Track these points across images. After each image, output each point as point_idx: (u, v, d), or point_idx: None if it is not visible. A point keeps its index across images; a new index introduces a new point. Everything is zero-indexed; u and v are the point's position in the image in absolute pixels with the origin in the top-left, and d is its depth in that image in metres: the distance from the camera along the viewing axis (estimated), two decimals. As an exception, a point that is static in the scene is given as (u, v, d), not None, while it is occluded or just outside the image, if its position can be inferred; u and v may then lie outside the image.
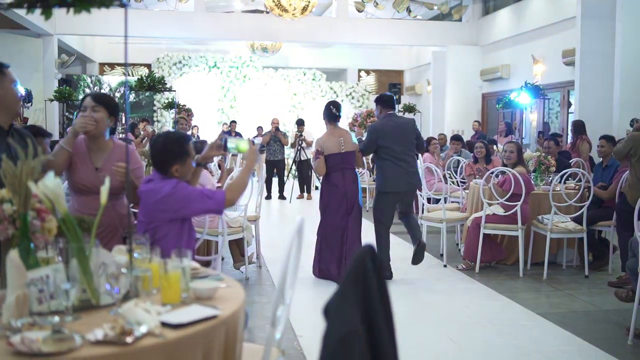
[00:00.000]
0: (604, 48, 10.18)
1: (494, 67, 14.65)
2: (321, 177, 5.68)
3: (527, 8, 13.42)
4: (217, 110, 16.91)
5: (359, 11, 15.50)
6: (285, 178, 12.21)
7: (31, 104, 12.66)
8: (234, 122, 14.38)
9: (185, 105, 14.29)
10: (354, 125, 14.18)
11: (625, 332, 4.16)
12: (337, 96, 17.50)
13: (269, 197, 11.82)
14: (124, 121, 9.30)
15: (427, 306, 4.90)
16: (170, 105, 13.63)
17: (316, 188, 11.57)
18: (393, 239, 7.09)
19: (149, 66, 17.28)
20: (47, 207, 2.05)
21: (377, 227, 5.65)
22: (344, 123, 15.35)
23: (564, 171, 6.08)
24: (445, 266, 6.15)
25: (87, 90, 15.32)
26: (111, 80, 16.15)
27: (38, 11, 1.89)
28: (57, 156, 3.08)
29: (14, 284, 1.84)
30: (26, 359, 1.56)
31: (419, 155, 7.36)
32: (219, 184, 5.82)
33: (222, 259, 6.04)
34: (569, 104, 12.28)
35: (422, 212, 6.60)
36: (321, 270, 5.58)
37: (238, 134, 13.63)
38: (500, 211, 5.85)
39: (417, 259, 5.73)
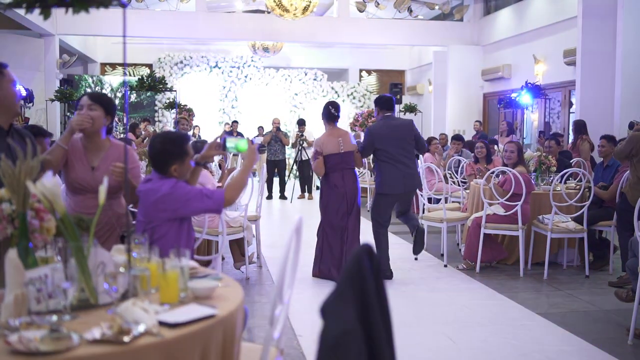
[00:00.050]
0: (605, 48, 10.17)
1: (495, 66, 14.63)
2: (320, 178, 5.70)
3: (528, 8, 13.41)
4: (218, 110, 16.92)
5: (360, 11, 15.50)
6: (286, 178, 12.22)
7: (32, 104, 12.69)
8: (235, 122, 14.40)
9: (186, 106, 14.31)
10: (355, 125, 14.19)
11: (625, 332, 4.15)
12: (338, 96, 17.51)
13: (270, 197, 11.83)
14: (124, 121, 9.31)
15: (428, 306, 4.90)
16: (171, 105, 13.64)
17: (317, 188, 11.56)
18: (393, 239, 7.11)
19: (150, 66, 17.30)
20: (46, 206, 2.05)
21: (375, 228, 5.66)
22: (345, 123, 15.44)
23: (565, 171, 6.07)
24: (445, 266, 6.15)
25: (89, 91, 15.34)
26: (112, 81, 16.16)
27: (38, 11, 1.90)
28: (52, 154, 3.09)
29: (13, 283, 1.85)
30: (24, 358, 1.56)
31: (420, 155, 7.36)
32: (220, 184, 5.82)
33: (223, 258, 6.05)
34: (570, 104, 12.27)
35: (423, 212, 6.60)
36: (321, 270, 5.59)
37: (240, 134, 13.63)
38: (500, 211, 5.85)
39: (417, 247, 5.73)
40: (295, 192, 11.85)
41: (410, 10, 15.41)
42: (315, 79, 17.61)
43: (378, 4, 15.20)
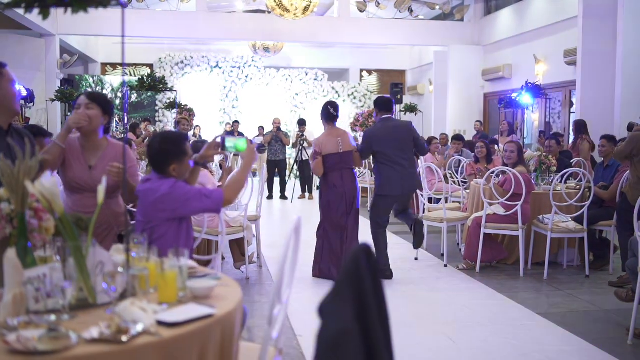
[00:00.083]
0: (606, 48, 10.17)
1: (495, 66, 14.63)
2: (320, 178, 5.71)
3: (529, 8, 13.41)
4: (219, 110, 16.92)
5: (361, 11, 15.50)
6: (286, 178, 12.22)
7: (33, 104, 12.69)
8: (236, 122, 14.40)
9: (186, 106, 14.32)
10: (355, 125, 14.19)
11: (625, 332, 4.15)
12: (339, 96, 17.51)
13: (270, 197, 11.83)
14: (125, 121, 9.32)
15: (428, 306, 4.90)
16: (172, 105, 13.65)
17: (317, 188, 11.56)
18: (394, 238, 7.11)
19: (151, 66, 17.31)
20: (45, 206, 2.05)
21: (373, 229, 5.68)
22: (345, 123, 15.44)
23: (565, 171, 6.07)
24: (445, 266, 6.15)
25: (93, 91, 15.33)
26: (113, 81, 16.18)
27: (37, 11, 1.90)
28: (50, 152, 3.10)
29: (11, 283, 1.85)
30: (22, 358, 1.56)
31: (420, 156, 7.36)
32: (220, 184, 5.82)
33: (223, 258, 6.05)
34: (571, 104, 12.27)
35: (423, 212, 6.60)
36: (321, 270, 5.59)
37: (240, 134, 13.64)
38: (501, 211, 5.85)
39: (417, 240, 5.74)
40: (295, 192, 11.86)
41: (410, 10, 15.42)
42: (316, 79, 17.62)
43: (379, 4, 15.20)
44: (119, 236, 3.20)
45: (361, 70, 19.50)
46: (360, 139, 5.88)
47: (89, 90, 15.34)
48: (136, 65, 17.66)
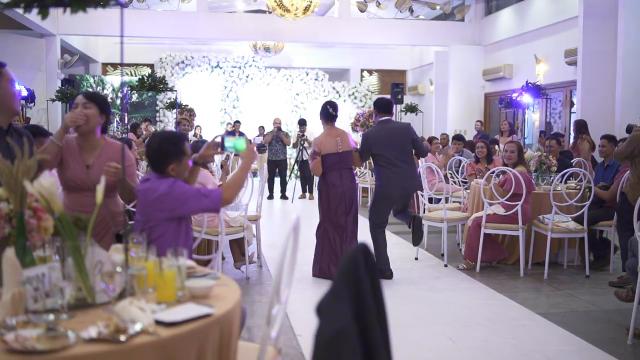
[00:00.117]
0: (606, 48, 10.16)
1: (496, 66, 14.62)
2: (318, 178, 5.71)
3: (530, 8, 13.40)
4: (219, 110, 16.92)
5: (362, 11, 15.50)
6: (287, 178, 12.22)
7: (34, 104, 12.70)
8: (237, 122, 14.41)
9: (187, 106, 14.31)
10: (356, 125, 14.19)
11: (625, 332, 4.15)
12: (339, 96, 17.50)
13: (271, 197, 11.83)
14: (125, 121, 9.33)
15: (428, 306, 4.90)
16: (172, 105, 13.65)
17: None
18: (394, 238, 7.12)
19: (151, 66, 17.32)
20: (43, 206, 2.06)
21: (372, 229, 5.68)
22: (346, 123, 15.45)
23: (565, 171, 6.07)
24: (446, 266, 6.15)
25: (90, 91, 15.34)
26: (114, 81, 16.19)
27: (37, 11, 1.91)
28: (47, 151, 3.11)
29: (10, 282, 1.85)
30: (20, 357, 1.56)
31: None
32: (221, 183, 5.82)
33: (223, 258, 6.05)
34: (572, 104, 12.26)
35: (423, 212, 6.60)
36: (321, 269, 5.58)
37: (241, 134, 13.64)
38: (501, 211, 5.84)
39: (416, 236, 5.73)
40: (296, 192, 11.86)
41: (411, 10, 15.41)
42: (316, 79, 17.62)
43: (379, 4, 15.20)
44: (116, 235, 3.20)
45: (362, 70, 19.50)
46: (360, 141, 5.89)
47: (90, 90, 15.36)
48: (137, 65, 17.67)
